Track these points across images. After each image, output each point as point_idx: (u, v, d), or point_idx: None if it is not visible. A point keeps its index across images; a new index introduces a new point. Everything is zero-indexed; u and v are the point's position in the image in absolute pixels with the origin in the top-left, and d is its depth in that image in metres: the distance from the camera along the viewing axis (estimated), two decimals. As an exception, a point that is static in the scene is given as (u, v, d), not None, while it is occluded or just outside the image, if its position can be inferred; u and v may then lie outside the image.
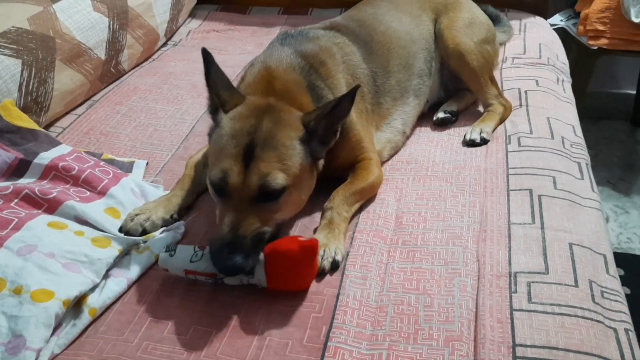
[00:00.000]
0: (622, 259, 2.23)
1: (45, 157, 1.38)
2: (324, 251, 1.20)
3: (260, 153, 1.16)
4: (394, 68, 1.62)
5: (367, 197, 1.41)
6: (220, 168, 1.16)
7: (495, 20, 2.01)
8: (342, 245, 1.25)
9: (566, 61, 2.18)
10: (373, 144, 1.51)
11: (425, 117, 1.76)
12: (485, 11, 1.96)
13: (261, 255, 1.13)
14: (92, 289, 1.14)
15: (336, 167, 1.39)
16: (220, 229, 1.14)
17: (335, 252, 1.21)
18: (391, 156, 1.59)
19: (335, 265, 1.20)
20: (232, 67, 2.11)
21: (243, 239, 1.12)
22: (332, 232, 1.26)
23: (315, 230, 1.30)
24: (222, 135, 1.20)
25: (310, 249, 1.14)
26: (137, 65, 2.14)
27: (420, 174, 1.51)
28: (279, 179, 1.16)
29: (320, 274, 1.19)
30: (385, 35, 1.65)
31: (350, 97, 1.22)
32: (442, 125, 1.73)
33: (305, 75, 1.39)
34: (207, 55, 1.26)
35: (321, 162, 1.31)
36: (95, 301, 1.12)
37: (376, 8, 1.75)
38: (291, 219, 1.32)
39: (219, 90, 1.26)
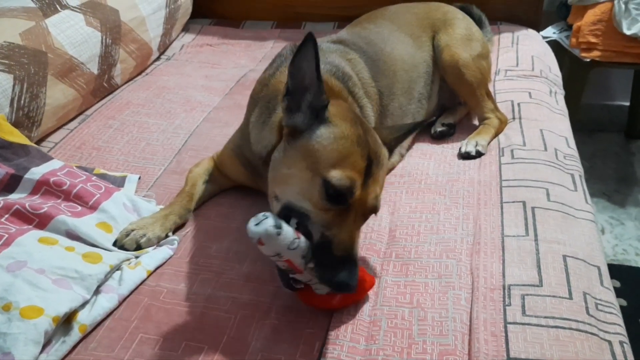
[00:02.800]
0: (618, 271, 2.23)
1: (36, 172, 1.37)
2: None
3: (376, 171, 1.11)
4: (397, 91, 1.63)
5: None
6: (348, 176, 1.06)
7: (477, 22, 2.00)
8: None
9: (559, 73, 2.19)
10: None
11: (419, 131, 1.76)
12: (469, 13, 1.97)
13: None
14: (83, 305, 1.12)
15: None
16: (337, 237, 1.05)
17: None
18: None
19: None
20: (226, 81, 2.12)
21: (357, 257, 1.08)
22: None
23: None
24: (345, 138, 1.09)
25: (372, 286, 1.17)
26: (130, 80, 2.13)
27: (414, 187, 1.51)
28: (381, 200, 1.14)
29: None
30: (391, 57, 1.65)
31: (420, 125, 1.31)
32: (440, 138, 1.74)
33: (344, 83, 1.37)
34: (314, 41, 1.07)
35: None
36: (86, 317, 1.10)
37: (380, 27, 1.75)
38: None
39: (322, 86, 1.12)
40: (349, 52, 1.54)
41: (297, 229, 1.06)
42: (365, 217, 1.13)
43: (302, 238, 1.04)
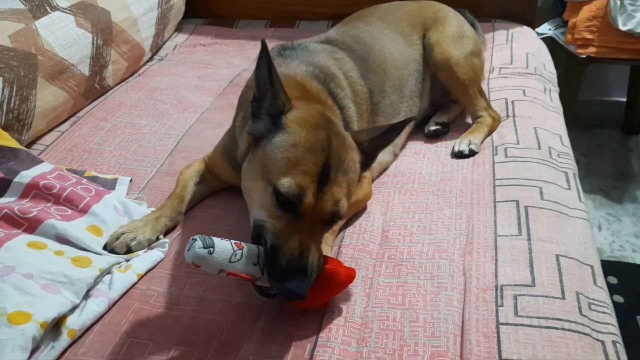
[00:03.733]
0: (615, 267, 2.22)
1: (26, 176, 1.36)
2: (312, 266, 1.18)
3: (335, 176, 1.09)
4: (388, 89, 1.62)
5: (354, 212, 1.39)
6: (297, 183, 1.05)
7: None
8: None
9: (553, 70, 2.18)
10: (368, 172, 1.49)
11: (413, 131, 1.75)
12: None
13: None
14: (72, 310, 1.11)
15: None
16: (285, 246, 1.05)
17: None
18: (379, 176, 1.58)
19: None
20: (219, 81, 2.11)
21: (311, 267, 1.05)
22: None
23: None
24: (297, 145, 1.08)
25: (352, 278, 1.15)
26: (122, 81, 2.12)
27: (407, 186, 1.50)
28: (344, 207, 1.11)
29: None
30: (381, 55, 1.64)
31: (403, 125, 1.21)
32: (434, 137, 1.73)
33: (325, 84, 1.36)
34: (266, 49, 1.09)
35: None
36: (75, 322, 1.09)
37: (370, 25, 1.74)
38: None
39: (279, 91, 1.12)
40: (337, 51, 1.53)
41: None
42: (326, 224, 1.11)
43: (246, 247, 1.06)
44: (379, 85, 1.59)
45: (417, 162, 1.61)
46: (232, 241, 1.05)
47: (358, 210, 1.40)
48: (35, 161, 1.44)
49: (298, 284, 1.02)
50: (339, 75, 1.44)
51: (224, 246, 1.04)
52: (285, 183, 1.05)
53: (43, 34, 1.75)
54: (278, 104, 1.12)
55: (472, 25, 2.06)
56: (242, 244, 1.06)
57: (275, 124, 1.12)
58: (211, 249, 1.01)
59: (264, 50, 1.08)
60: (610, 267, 2.18)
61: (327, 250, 1.25)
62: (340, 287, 1.14)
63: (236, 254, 1.04)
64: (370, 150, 1.21)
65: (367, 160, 1.21)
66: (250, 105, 1.16)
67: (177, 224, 1.39)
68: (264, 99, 1.13)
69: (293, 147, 1.09)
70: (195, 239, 1.01)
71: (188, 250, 1.01)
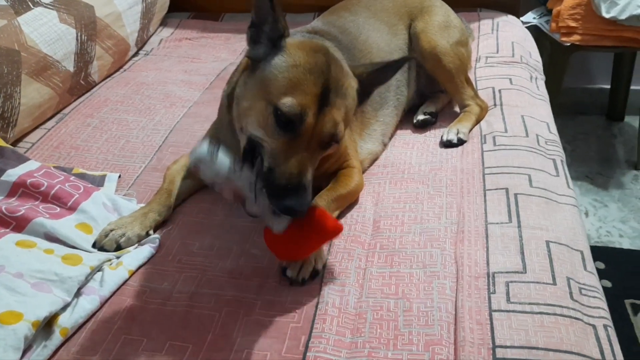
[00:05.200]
0: (603, 253, 2.25)
1: (12, 174, 1.34)
2: (303, 261, 1.18)
3: (335, 99, 1.11)
4: None
5: (347, 204, 1.39)
6: (298, 102, 1.08)
7: None
8: (323, 253, 1.23)
9: (539, 59, 2.19)
10: (357, 151, 1.50)
11: (401, 121, 1.76)
12: None
13: None
14: (64, 308, 1.10)
15: (321, 174, 1.36)
16: (284, 165, 1.08)
17: (315, 261, 1.19)
18: (370, 166, 1.58)
19: (315, 274, 1.18)
20: (206, 75, 2.10)
21: (308, 184, 1.09)
22: None
23: None
24: (297, 66, 1.11)
25: (339, 230, 1.16)
26: (107, 77, 2.10)
27: (397, 177, 1.50)
28: (342, 130, 1.14)
29: (301, 284, 1.17)
30: (367, 45, 1.64)
31: (400, 64, 1.25)
32: (422, 127, 1.73)
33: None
34: None
35: None
36: (67, 321, 1.09)
37: (355, 15, 1.73)
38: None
39: (279, 16, 1.14)
40: (324, 41, 1.52)
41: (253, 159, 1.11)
42: (324, 146, 1.14)
43: (245, 170, 1.06)
44: None
45: (406, 152, 1.61)
46: (229, 159, 1.05)
47: (351, 202, 1.40)
48: (22, 159, 1.42)
49: (298, 201, 1.06)
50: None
51: (224, 159, 1.04)
52: (287, 102, 1.08)
53: (26, 30, 1.73)
54: (279, 27, 1.15)
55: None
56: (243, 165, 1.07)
57: (275, 46, 1.15)
58: (213, 156, 1.03)
59: None
60: (597, 252, 2.19)
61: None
62: (327, 234, 1.14)
63: (232, 170, 1.04)
64: (367, 83, 1.22)
65: (363, 95, 1.23)
66: (249, 30, 1.18)
67: (167, 218, 1.38)
68: (264, 24, 1.15)
69: (293, 67, 1.11)
70: (202, 144, 1.03)
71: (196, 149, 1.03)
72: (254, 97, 1.15)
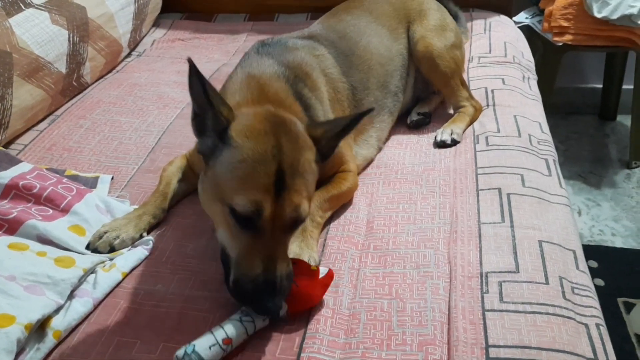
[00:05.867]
0: (595, 251, 2.26)
1: (4, 177, 1.34)
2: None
3: (291, 182, 1.05)
4: (372, 85, 1.62)
5: (341, 204, 1.39)
6: (251, 200, 1.02)
7: (454, 17, 2.02)
8: (316, 254, 1.23)
9: (531, 59, 2.20)
10: (353, 156, 1.50)
11: (395, 122, 1.76)
12: (446, 7, 1.97)
13: None
14: (57, 311, 1.10)
15: (319, 180, 1.36)
16: (248, 266, 1.03)
17: (308, 261, 1.19)
18: (364, 169, 1.58)
19: None
20: (199, 76, 2.09)
21: (281, 280, 1.03)
22: (305, 241, 1.24)
23: None
24: (244, 160, 1.05)
25: (329, 285, 1.14)
26: (100, 78, 2.09)
27: (390, 177, 1.50)
28: (306, 207, 1.08)
29: None
30: (367, 51, 1.64)
31: (362, 116, 1.14)
32: (416, 127, 1.74)
33: (292, 85, 1.33)
34: (195, 68, 1.05)
35: None
36: (60, 323, 1.08)
37: (356, 19, 1.73)
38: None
39: (219, 106, 1.08)
40: (317, 47, 1.52)
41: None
42: (288, 230, 1.08)
43: (234, 337, 1.02)
44: (363, 82, 1.58)
45: (400, 152, 1.61)
46: (221, 338, 1.01)
47: (345, 203, 1.41)
48: (14, 161, 1.42)
49: (270, 302, 1.01)
50: (312, 74, 1.42)
51: (214, 356, 1.00)
52: (240, 202, 1.03)
53: (17, 31, 1.72)
54: (221, 120, 1.08)
55: (456, 16, 2.08)
56: (231, 336, 1.02)
57: (221, 139, 1.09)
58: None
59: (192, 69, 1.03)
60: (590, 251, 2.21)
61: (313, 244, 1.25)
62: (307, 306, 1.12)
63: (226, 351, 1.02)
64: (328, 143, 1.16)
65: (328, 151, 1.17)
66: (192, 122, 1.12)
67: (161, 221, 1.38)
68: (206, 115, 1.10)
69: (241, 162, 1.05)
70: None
71: None
72: (211, 199, 1.12)
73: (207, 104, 1.07)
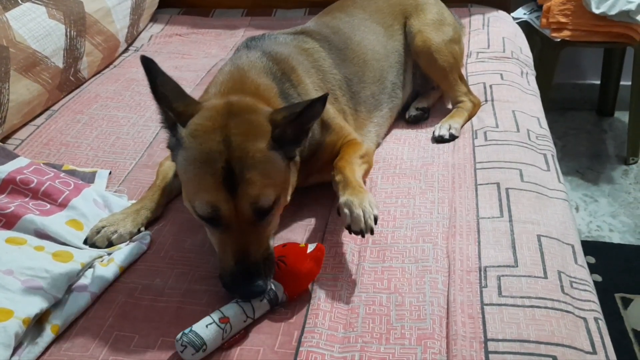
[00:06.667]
0: (593, 247, 2.26)
1: (1, 171, 1.34)
2: (364, 209, 1.12)
3: (242, 175, 1.05)
4: (368, 80, 1.61)
5: (367, 165, 1.38)
6: (205, 201, 1.06)
7: None
8: (373, 197, 1.18)
9: (530, 54, 2.20)
10: (354, 132, 1.47)
11: (395, 117, 1.76)
12: None
13: None
14: (55, 305, 1.10)
15: (323, 163, 1.35)
16: (224, 260, 1.08)
17: (372, 207, 1.14)
18: None
19: (376, 220, 1.14)
20: (196, 71, 2.09)
21: (256, 265, 1.07)
22: (354, 190, 1.18)
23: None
24: (192, 161, 1.07)
25: (321, 259, 1.14)
26: (97, 73, 2.09)
27: (389, 172, 1.50)
28: (270, 195, 1.08)
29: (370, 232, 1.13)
30: (361, 46, 1.64)
31: (321, 102, 1.10)
32: (415, 122, 1.73)
33: (277, 81, 1.33)
34: (148, 64, 1.09)
35: (297, 158, 1.23)
36: (58, 317, 1.08)
37: (350, 16, 1.73)
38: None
39: (172, 103, 1.11)
40: (308, 41, 1.53)
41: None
42: (257, 218, 1.08)
43: (232, 317, 1.05)
44: (358, 76, 1.58)
45: (398, 147, 1.61)
46: (217, 317, 1.04)
47: (369, 164, 1.41)
48: (11, 156, 1.41)
49: (249, 286, 1.05)
50: (298, 69, 1.41)
51: (212, 334, 1.02)
52: (198, 205, 1.07)
53: (14, 25, 1.71)
54: (169, 117, 1.11)
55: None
56: (227, 315, 1.05)
57: (175, 136, 1.12)
58: (204, 347, 1.01)
59: (144, 63, 1.08)
60: (588, 246, 2.21)
61: (351, 171, 1.23)
62: (302, 283, 1.13)
63: (226, 330, 1.03)
64: (294, 127, 1.13)
65: (297, 135, 1.14)
66: (160, 120, 1.15)
67: (159, 215, 1.38)
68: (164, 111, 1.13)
69: (191, 164, 1.08)
70: (185, 345, 1.00)
71: (181, 352, 1.00)
72: (184, 198, 1.15)
73: (156, 100, 1.10)
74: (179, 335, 1.01)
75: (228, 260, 1.07)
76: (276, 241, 1.20)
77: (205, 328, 1.02)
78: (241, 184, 1.05)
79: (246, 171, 1.05)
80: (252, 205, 1.06)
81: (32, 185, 1.32)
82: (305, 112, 1.10)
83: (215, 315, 1.04)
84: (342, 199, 1.17)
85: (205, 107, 1.14)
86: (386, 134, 1.69)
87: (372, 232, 1.13)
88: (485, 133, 1.62)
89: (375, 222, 1.14)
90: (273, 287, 1.10)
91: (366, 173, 1.41)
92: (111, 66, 2.16)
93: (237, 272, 1.06)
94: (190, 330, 1.01)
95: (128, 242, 1.29)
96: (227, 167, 1.05)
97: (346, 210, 1.14)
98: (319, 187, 1.42)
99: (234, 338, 1.05)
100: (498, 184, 1.40)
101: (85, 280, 1.17)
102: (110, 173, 1.52)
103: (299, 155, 1.22)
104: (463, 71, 1.92)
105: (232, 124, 1.09)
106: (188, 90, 1.91)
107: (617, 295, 2.05)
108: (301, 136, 1.17)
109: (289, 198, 1.20)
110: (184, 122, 1.11)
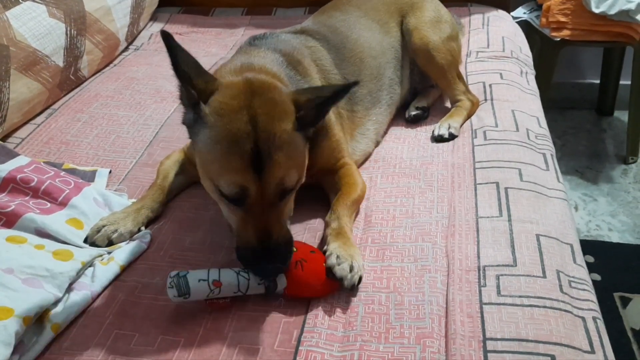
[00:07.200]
0: (592, 246, 2.27)
1: (2, 170, 1.34)
2: (351, 265, 1.13)
3: (270, 157, 1.05)
4: (365, 78, 1.62)
5: (357, 209, 1.37)
6: (233, 182, 1.06)
7: None
8: (359, 259, 1.17)
9: (529, 53, 2.20)
10: (348, 150, 1.49)
11: (394, 117, 1.76)
12: None
13: None
14: (55, 304, 1.10)
15: (316, 171, 1.36)
16: (244, 237, 1.09)
17: (360, 268, 1.15)
18: (362, 164, 1.58)
19: (360, 280, 1.14)
20: (196, 70, 2.09)
21: (278, 246, 1.08)
22: (346, 243, 1.19)
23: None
24: (219, 141, 1.06)
25: (334, 290, 1.14)
26: (97, 72, 2.09)
27: (388, 171, 1.51)
28: (294, 177, 1.10)
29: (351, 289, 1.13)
30: (358, 44, 1.64)
31: (350, 87, 1.13)
32: (414, 122, 1.74)
33: (285, 69, 1.34)
34: (169, 40, 1.04)
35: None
36: (58, 316, 1.08)
37: (346, 14, 1.73)
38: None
39: (192, 80, 1.08)
40: (309, 40, 1.53)
41: None
42: (279, 200, 1.10)
43: (225, 282, 1.07)
44: (355, 75, 1.58)
45: (397, 146, 1.61)
46: (212, 279, 1.06)
47: (359, 205, 1.38)
48: (11, 154, 1.41)
49: (268, 265, 1.08)
50: (304, 61, 1.42)
51: (200, 289, 1.06)
52: (224, 185, 1.07)
53: (15, 24, 1.72)
54: (191, 94, 1.09)
55: None
56: (222, 281, 1.07)
57: (197, 114, 1.10)
58: (187, 296, 1.05)
59: (165, 39, 1.04)
60: (587, 246, 2.21)
61: (353, 251, 1.19)
62: (306, 294, 1.13)
63: (213, 292, 1.06)
64: (315, 110, 1.13)
65: (315, 119, 1.16)
66: (179, 90, 1.13)
67: (159, 214, 1.38)
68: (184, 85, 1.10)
69: (217, 144, 1.07)
70: (172, 286, 1.04)
71: (168, 287, 1.06)
72: (203, 175, 1.14)
73: (178, 78, 1.08)
74: (173, 273, 1.06)
75: (249, 238, 1.08)
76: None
77: (197, 282, 1.05)
78: (268, 165, 1.06)
79: (273, 152, 1.06)
80: (277, 187, 1.08)
81: (32, 184, 1.32)
82: (332, 98, 1.12)
83: (212, 275, 1.07)
84: (333, 247, 1.17)
85: (226, 85, 1.12)
86: (385, 132, 1.69)
87: (352, 288, 1.13)
88: (484, 132, 1.62)
89: (359, 282, 1.14)
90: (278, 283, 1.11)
91: (359, 205, 1.39)
92: (111, 65, 2.16)
93: (259, 251, 1.07)
94: (184, 276, 1.05)
95: (128, 241, 1.29)
96: (254, 149, 1.05)
97: (334, 260, 1.13)
98: (318, 187, 1.42)
99: (216, 302, 1.08)
100: (497, 184, 1.40)
101: (85, 279, 1.17)
102: (110, 172, 1.52)
103: None
104: (462, 70, 1.92)
105: (256, 103, 1.09)
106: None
107: (616, 295, 2.05)
108: (319, 119, 1.18)
109: (304, 179, 1.20)
110: (205, 99, 1.10)
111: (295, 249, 1.14)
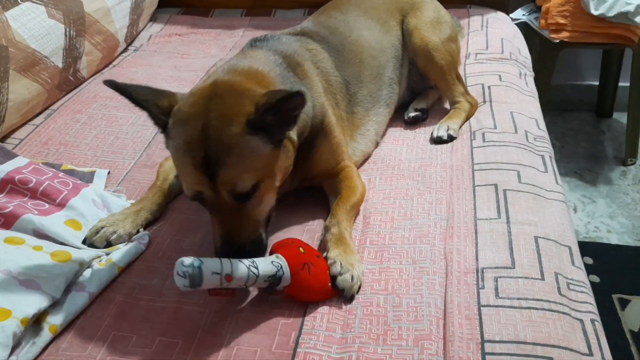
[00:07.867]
0: (591, 248, 2.27)
1: (0, 171, 1.34)
2: (352, 275, 1.13)
3: (219, 161, 1.08)
4: (365, 78, 1.62)
5: (357, 213, 1.37)
6: (190, 188, 1.13)
7: None
8: (361, 265, 1.19)
9: (528, 55, 2.20)
10: (348, 152, 1.49)
11: (392, 117, 1.76)
12: None
13: (284, 262, 1.11)
14: (53, 305, 1.10)
15: (316, 174, 1.37)
16: (215, 239, 1.15)
17: (360, 277, 1.16)
18: (361, 165, 1.58)
19: (359, 289, 1.15)
20: (195, 71, 2.09)
21: (240, 247, 1.12)
22: (347, 251, 1.19)
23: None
24: (177, 149, 1.14)
25: (332, 296, 1.14)
26: (96, 72, 2.09)
27: (387, 173, 1.51)
28: (246, 180, 1.11)
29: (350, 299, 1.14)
30: (357, 45, 1.64)
31: (298, 97, 1.08)
32: (413, 123, 1.74)
33: (282, 70, 1.33)
34: (114, 84, 1.17)
35: (293, 139, 1.23)
36: (56, 317, 1.08)
37: (346, 14, 1.73)
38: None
39: (156, 102, 1.16)
40: (310, 42, 1.53)
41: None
42: (240, 202, 1.12)
43: (235, 277, 1.05)
44: (356, 76, 1.58)
45: (396, 148, 1.61)
46: (225, 272, 1.04)
47: (359, 208, 1.38)
48: (10, 155, 1.41)
49: (237, 253, 1.10)
50: (304, 64, 1.42)
51: (211, 281, 1.03)
52: (185, 190, 1.15)
53: (14, 25, 1.72)
54: (159, 118, 1.18)
55: None
56: (234, 276, 1.05)
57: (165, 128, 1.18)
58: (197, 287, 1.02)
59: (112, 87, 1.17)
60: (585, 247, 2.22)
61: (347, 225, 1.26)
62: (307, 297, 1.13)
63: (222, 285, 1.05)
64: (274, 114, 1.10)
65: (284, 119, 1.14)
66: None
67: (158, 216, 1.38)
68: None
69: (176, 152, 1.15)
70: (185, 276, 1.00)
71: (177, 275, 1.00)
72: None
73: (142, 109, 1.18)
74: (187, 261, 1.00)
75: (216, 240, 1.14)
76: (273, 241, 1.20)
77: (210, 275, 1.02)
78: (220, 168, 1.09)
79: (225, 157, 1.09)
80: (232, 190, 1.11)
81: (30, 185, 1.32)
82: (282, 103, 1.09)
83: (225, 269, 1.04)
84: (334, 255, 1.17)
85: (191, 92, 1.20)
86: (385, 132, 1.69)
87: (351, 299, 1.13)
88: (483, 134, 1.62)
89: (358, 291, 1.15)
90: (283, 272, 1.10)
91: (359, 209, 1.39)
92: (110, 66, 2.16)
93: (222, 253, 1.11)
94: (199, 267, 1.01)
95: (126, 242, 1.29)
96: (206, 155, 1.09)
97: (338, 269, 1.14)
98: (317, 188, 1.42)
99: (219, 292, 1.07)
100: (496, 185, 1.40)
101: (83, 280, 1.17)
102: (109, 173, 1.52)
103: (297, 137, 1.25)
104: (461, 72, 1.92)
105: (212, 106, 1.12)
106: (187, 90, 1.93)
107: (615, 296, 2.05)
108: (290, 121, 1.16)
109: (277, 183, 1.20)
110: (166, 123, 1.17)
111: (302, 250, 1.14)
